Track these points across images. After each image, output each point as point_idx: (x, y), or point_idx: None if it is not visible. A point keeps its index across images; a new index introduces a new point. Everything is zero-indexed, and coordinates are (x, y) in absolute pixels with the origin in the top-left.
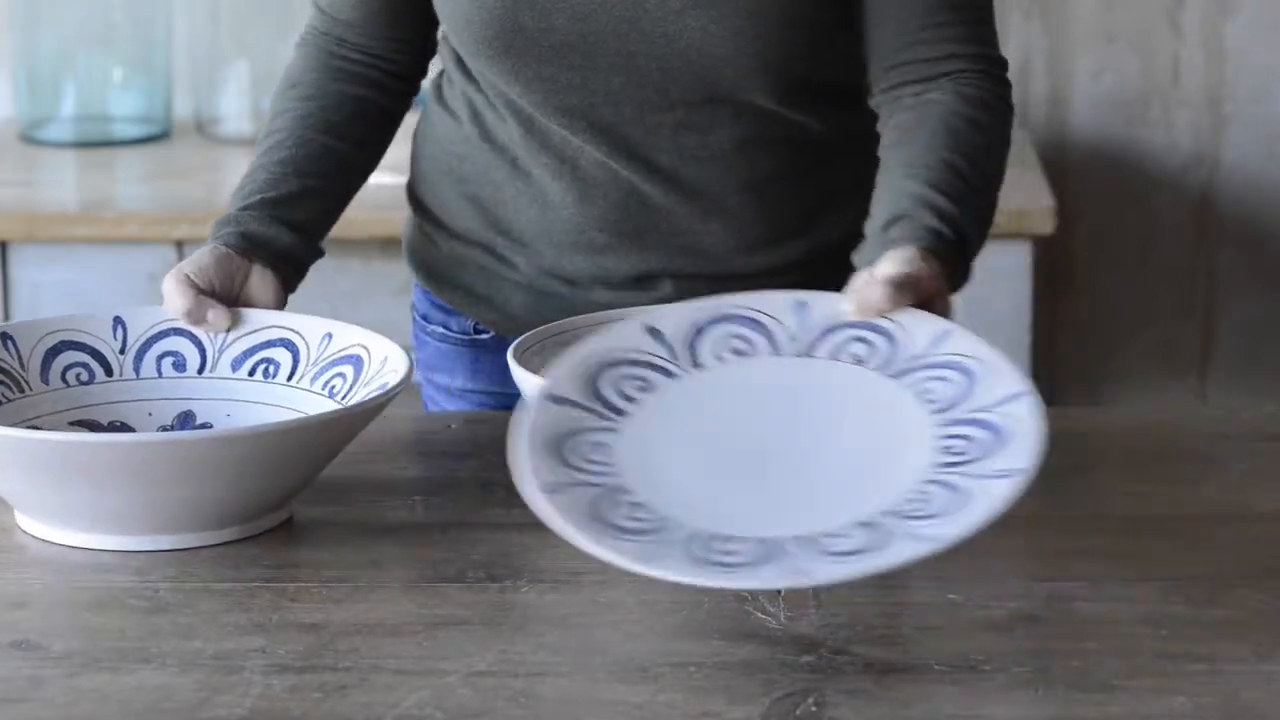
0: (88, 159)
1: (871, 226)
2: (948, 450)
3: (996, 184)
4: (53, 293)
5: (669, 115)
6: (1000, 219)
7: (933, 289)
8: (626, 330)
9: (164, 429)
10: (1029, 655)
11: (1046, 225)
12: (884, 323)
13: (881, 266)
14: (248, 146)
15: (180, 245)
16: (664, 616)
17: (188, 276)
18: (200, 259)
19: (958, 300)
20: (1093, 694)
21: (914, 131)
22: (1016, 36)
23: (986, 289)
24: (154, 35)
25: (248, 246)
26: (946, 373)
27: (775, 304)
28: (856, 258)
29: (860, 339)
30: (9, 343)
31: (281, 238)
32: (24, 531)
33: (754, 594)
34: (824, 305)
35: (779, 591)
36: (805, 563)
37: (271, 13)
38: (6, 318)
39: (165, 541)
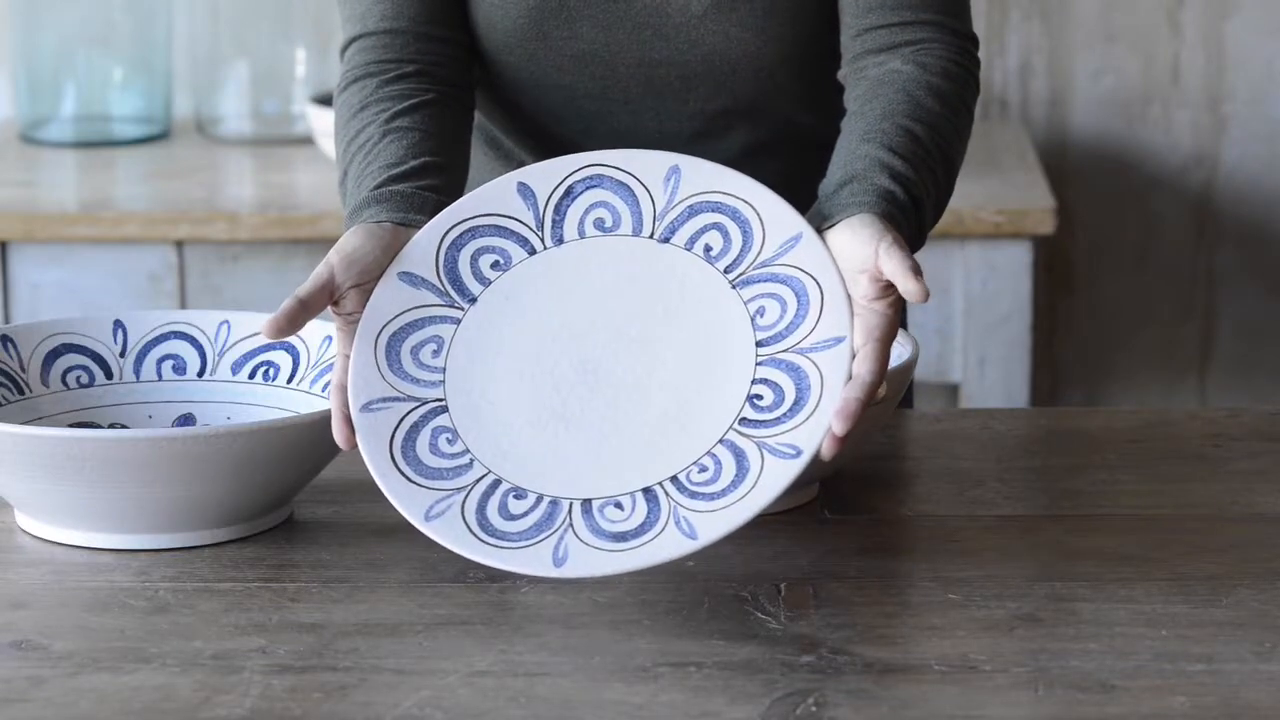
0: (88, 159)
1: (824, 188)
2: (753, 402)
3: (957, 155)
4: (52, 293)
5: (687, 124)
6: (1000, 219)
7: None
8: (499, 188)
9: None
10: (1029, 655)
11: (1046, 225)
12: (745, 211)
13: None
14: (248, 146)
15: (180, 245)
16: (664, 616)
17: (327, 284)
18: (360, 246)
19: (960, 299)
20: (1093, 694)
21: (872, 100)
22: (1016, 36)
23: (986, 289)
24: (154, 35)
25: (407, 220)
26: (782, 289)
27: (650, 168)
28: (806, 217)
29: (718, 226)
30: (9, 345)
31: (429, 203)
32: (24, 531)
33: (754, 594)
34: (696, 175)
35: (779, 591)
36: (572, 543)
37: (271, 13)
38: (6, 318)
39: (165, 541)
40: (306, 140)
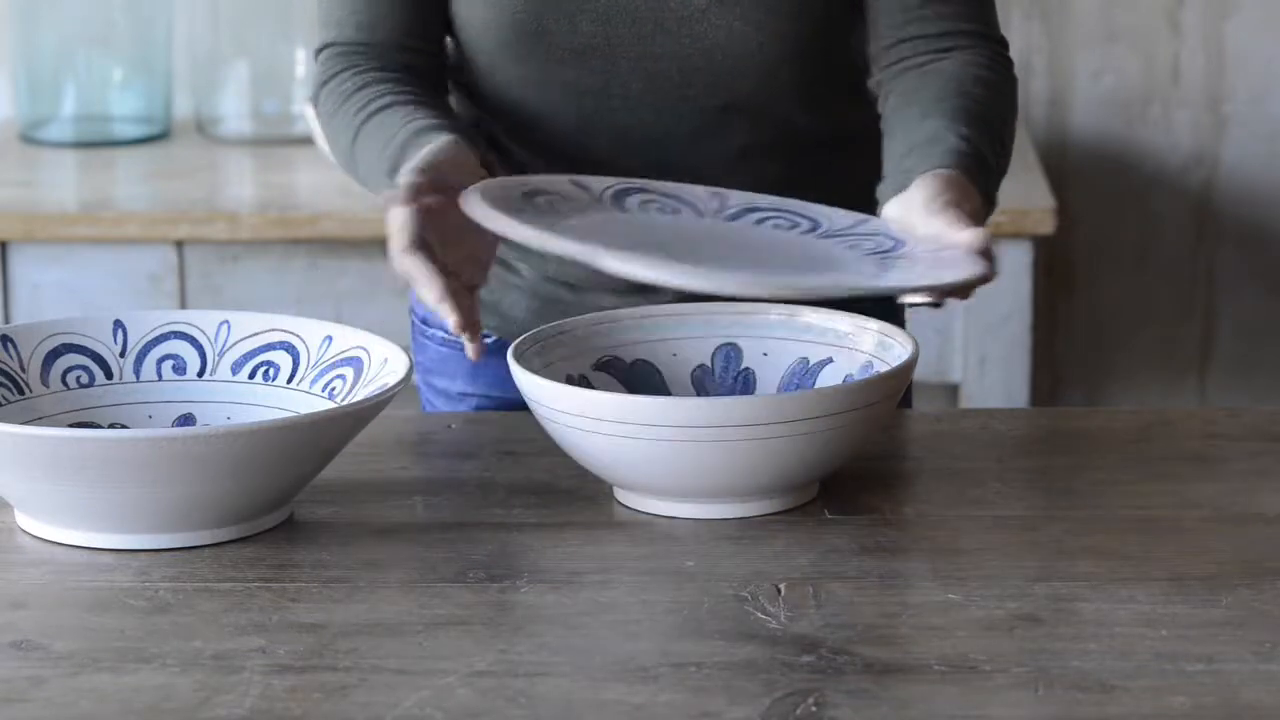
0: (88, 159)
1: (890, 160)
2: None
3: (1010, 133)
4: (52, 293)
5: (686, 122)
6: (1000, 219)
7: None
8: (555, 179)
9: None
10: (1029, 655)
11: (1046, 225)
12: (808, 209)
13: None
14: (248, 146)
15: (180, 245)
16: (664, 616)
17: (417, 189)
18: (434, 154)
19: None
20: (1093, 694)
21: (921, 90)
22: (1016, 36)
23: (987, 289)
24: (154, 35)
25: (465, 140)
26: (866, 240)
27: (697, 193)
28: (879, 189)
29: (783, 216)
30: (10, 345)
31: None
32: (24, 531)
33: (754, 594)
34: (739, 197)
35: (779, 591)
36: (856, 265)
37: (271, 13)
38: (6, 318)
39: (165, 541)
40: (306, 140)
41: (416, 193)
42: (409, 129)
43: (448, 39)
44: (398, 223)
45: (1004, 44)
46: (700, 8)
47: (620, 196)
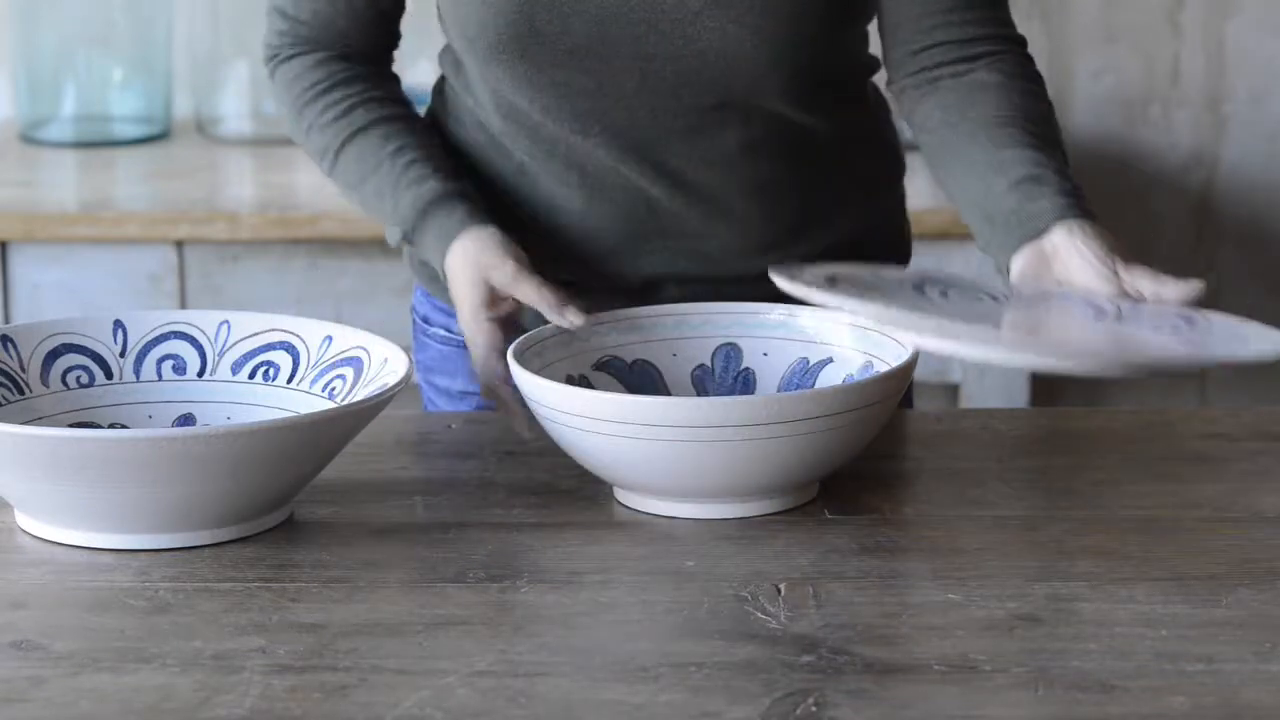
0: (88, 159)
1: (975, 189)
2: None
3: (1062, 142)
4: (53, 293)
5: (681, 120)
6: None
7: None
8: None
9: None
10: (1029, 655)
11: None
12: (984, 284)
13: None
14: (248, 146)
15: (180, 245)
16: (664, 616)
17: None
18: (480, 267)
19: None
20: (1093, 694)
21: (975, 108)
22: None
23: None
24: (154, 35)
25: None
26: (1091, 303)
27: (994, 283)
28: (977, 223)
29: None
30: (10, 345)
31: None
32: (24, 531)
33: (754, 594)
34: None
35: (779, 591)
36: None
37: None
38: (6, 318)
39: (165, 541)
40: None
41: (490, 311)
42: (420, 192)
43: (447, 40)
44: (485, 350)
45: (1024, 43)
46: (694, 10)
47: (920, 285)
